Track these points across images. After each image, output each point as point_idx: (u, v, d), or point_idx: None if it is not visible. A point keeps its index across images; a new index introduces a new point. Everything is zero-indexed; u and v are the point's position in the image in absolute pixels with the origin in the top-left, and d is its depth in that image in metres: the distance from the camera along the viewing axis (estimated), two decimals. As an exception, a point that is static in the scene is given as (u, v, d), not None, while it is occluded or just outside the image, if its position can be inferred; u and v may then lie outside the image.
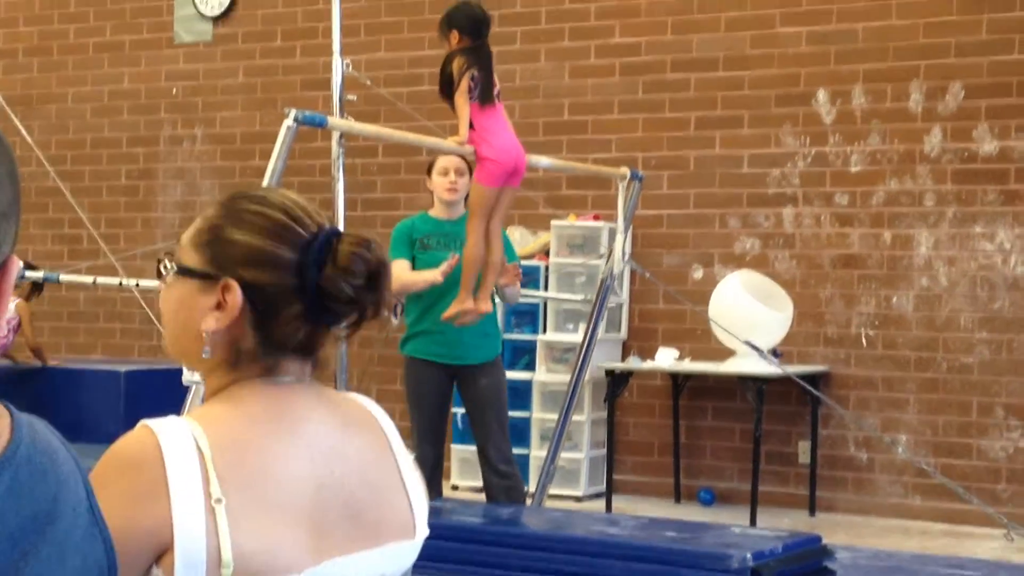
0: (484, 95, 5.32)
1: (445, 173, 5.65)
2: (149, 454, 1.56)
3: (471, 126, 5.32)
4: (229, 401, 1.67)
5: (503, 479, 5.61)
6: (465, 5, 5.49)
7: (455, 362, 5.62)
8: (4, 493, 1.13)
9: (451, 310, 5.38)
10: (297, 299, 1.65)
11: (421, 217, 5.78)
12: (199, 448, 1.58)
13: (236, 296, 1.65)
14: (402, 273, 5.47)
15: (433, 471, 5.62)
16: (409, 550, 1.74)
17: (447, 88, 5.38)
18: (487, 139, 5.30)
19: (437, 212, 5.73)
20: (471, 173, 5.55)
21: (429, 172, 5.76)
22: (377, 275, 1.67)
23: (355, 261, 1.65)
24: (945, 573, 4.47)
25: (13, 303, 8.01)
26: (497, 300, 5.79)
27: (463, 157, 5.53)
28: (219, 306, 1.66)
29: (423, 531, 1.75)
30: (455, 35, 5.37)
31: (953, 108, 7.80)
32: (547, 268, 8.49)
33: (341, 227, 5.21)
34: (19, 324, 8.31)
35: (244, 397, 1.66)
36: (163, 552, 1.54)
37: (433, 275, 5.43)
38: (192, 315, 1.68)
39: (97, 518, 1.23)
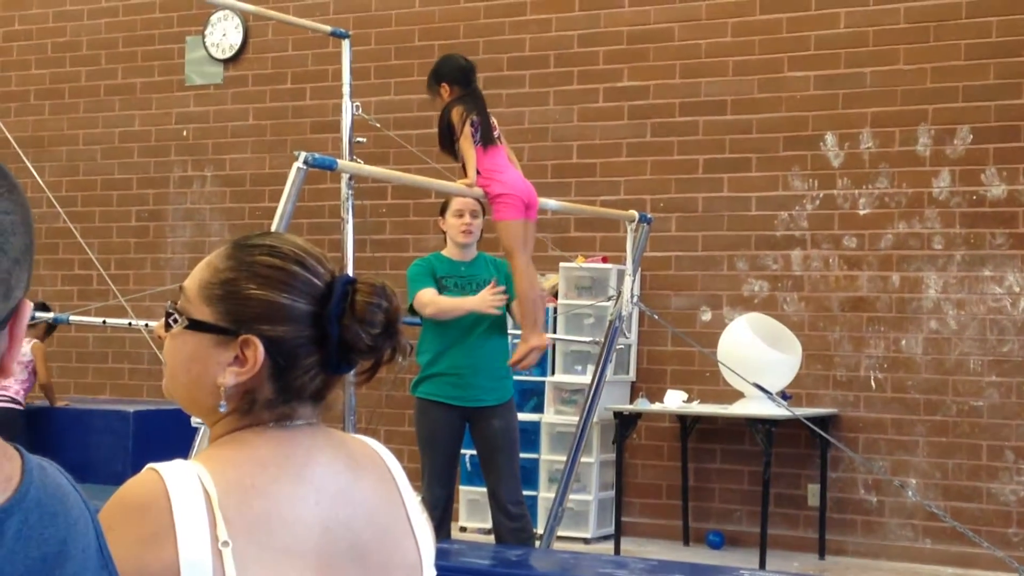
0: (485, 137, 5.39)
1: (460, 215, 5.63)
2: (156, 498, 1.56)
3: (477, 172, 5.35)
4: (236, 444, 1.67)
5: (513, 521, 5.58)
6: (448, 58, 5.64)
7: (470, 404, 5.59)
8: (14, 536, 1.14)
9: (519, 353, 5.40)
10: (315, 349, 1.66)
11: (436, 256, 5.76)
12: (206, 491, 1.58)
13: (259, 353, 1.64)
14: (439, 299, 5.48)
15: (443, 513, 5.60)
16: (417, 592, 1.74)
17: (447, 140, 5.44)
18: (495, 178, 5.34)
19: (451, 253, 5.70)
20: (483, 215, 5.58)
21: (443, 213, 5.74)
22: (393, 321, 1.68)
23: (372, 310, 1.66)
24: (955, 618, 4.45)
25: (29, 344, 8.05)
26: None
27: (477, 200, 5.56)
28: (238, 360, 1.65)
29: (430, 573, 1.75)
30: (445, 88, 5.47)
31: (961, 152, 7.81)
32: (555, 310, 8.50)
33: (350, 269, 5.26)
34: (33, 366, 8.33)
35: (251, 440, 1.67)
36: (171, 595, 1.54)
37: (475, 302, 5.42)
38: (207, 369, 1.67)
39: (107, 560, 1.24)
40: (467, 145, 5.32)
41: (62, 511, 1.20)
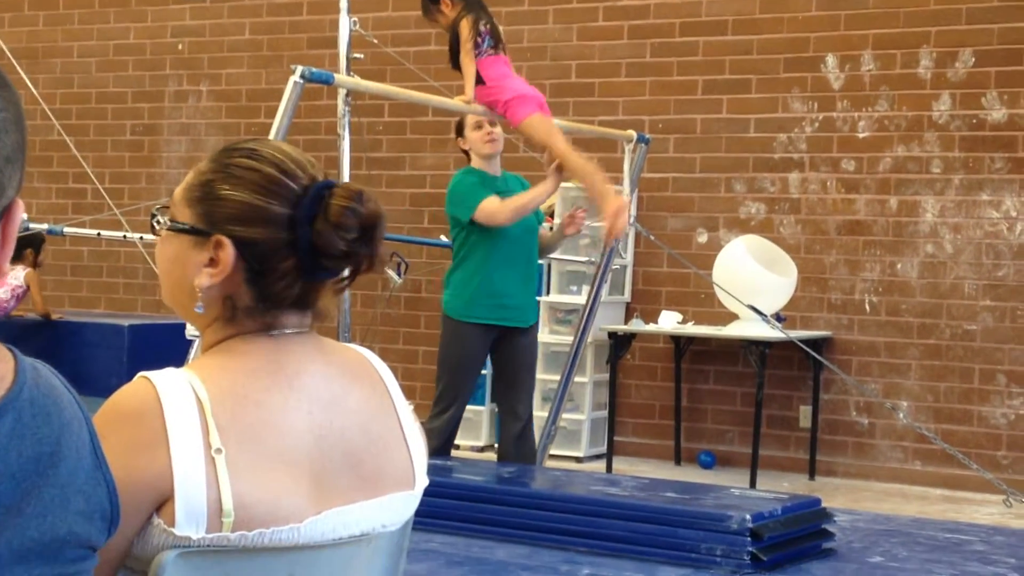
0: (497, 40, 5.34)
1: (479, 126, 5.52)
2: (148, 405, 1.56)
3: (483, 82, 5.30)
4: (228, 353, 1.67)
5: (526, 439, 5.59)
6: None
7: (502, 323, 5.50)
8: (8, 434, 1.14)
9: (608, 223, 5.29)
10: (290, 254, 1.65)
11: (467, 170, 5.59)
12: (198, 399, 1.58)
13: (228, 253, 1.64)
14: (509, 201, 5.37)
15: (452, 433, 5.59)
16: (409, 500, 1.75)
17: (457, 57, 5.38)
18: (502, 84, 5.30)
19: (481, 166, 5.57)
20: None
21: (459, 133, 5.62)
22: (370, 228, 1.66)
23: (346, 215, 1.64)
24: (943, 537, 4.49)
25: (22, 272, 8.04)
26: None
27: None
28: (212, 262, 1.65)
29: (423, 482, 1.76)
30: (446, 3, 5.36)
31: (963, 75, 7.77)
32: (551, 229, 8.47)
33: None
34: (26, 291, 8.32)
35: (242, 349, 1.67)
36: (164, 502, 1.55)
37: (547, 186, 5.36)
38: (186, 271, 1.68)
39: (100, 462, 1.24)
40: (467, 60, 5.27)
41: (55, 411, 1.20)
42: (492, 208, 5.32)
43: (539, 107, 5.33)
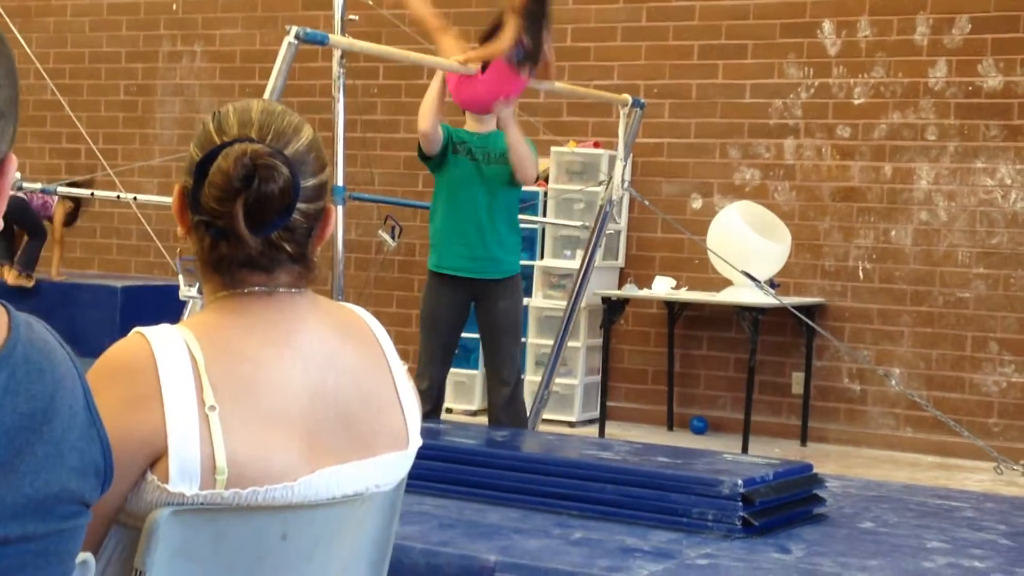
0: (522, 60, 5.33)
1: None
2: (142, 361, 1.56)
3: (485, 68, 5.28)
4: (222, 310, 1.67)
5: (511, 404, 5.60)
6: None
7: (476, 276, 5.54)
8: (1, 390, 1.14)
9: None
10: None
11: (455, 129, 5.67)
12: (192, 355, 1.58)
13: (176, 200, 1.68)
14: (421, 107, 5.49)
15: (438, 394, 5.61)
16: (402, 460, 1.75)
17: (487, 37, 5.38)
18: (490, 79, 5.31)
19: (469, 127, 5.66)
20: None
21: None
22: (239, 191, 1.60)
23: (217, 174, 1.61)
24: (934, 504, 4.51)
25: (56, 198, 8.23)
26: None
27: None
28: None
29: (416, 442, 1.76)
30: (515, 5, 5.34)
31: (959, 42, 7.75)
32: (546, 194, 8.48)
33: (340, 148, 5.22)
34: (51, 207, 8.48)
35: (237, 307, 1.67)
36: (157, 458, 1.55)
37: (443, 64, 5.42)
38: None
39: (94, 418, 1.24)
40: (496, 46, 5.25)
41: (49, 367, 1.19)
42: (419, 128, 5.44)
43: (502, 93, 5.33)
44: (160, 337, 1.59)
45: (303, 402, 1.64)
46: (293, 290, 1.69)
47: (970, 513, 4.37)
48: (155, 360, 1.56)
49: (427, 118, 5.40)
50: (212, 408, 1.56)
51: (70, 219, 8.59)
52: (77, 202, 8.49)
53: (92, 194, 5.86)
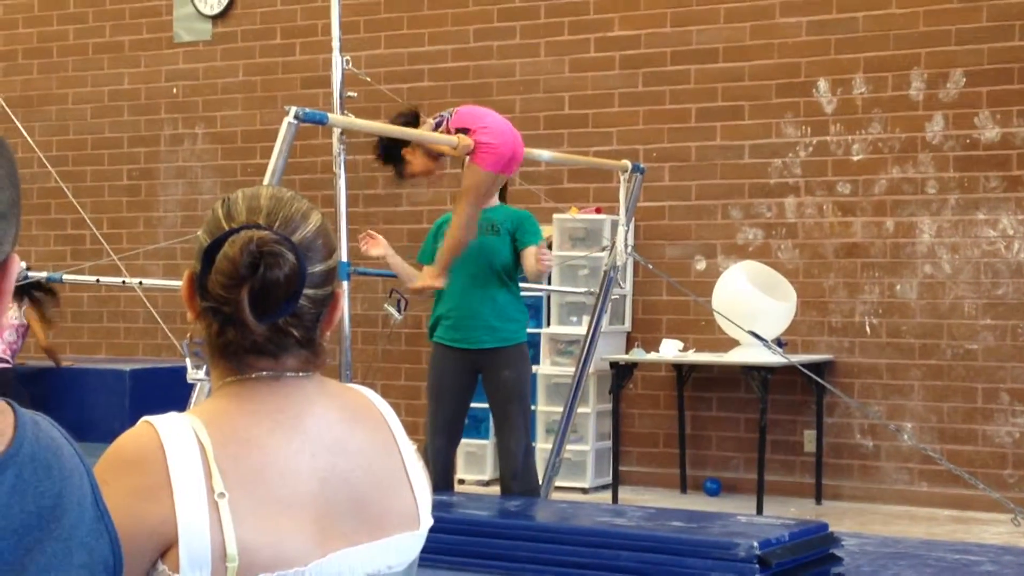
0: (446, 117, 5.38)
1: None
2: (151, 450, 1.56)
3: (466, 132, 5.30)
4: (229, 396, 1.67)
5: (519, 477, 5.57)
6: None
7: (476, 346, 5.58)
8: (8, 490, 1.14)
9: (419, 283, 5.42)
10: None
11: (447, 216, 5.78)
12: (200, 443, 1.58)
13: (185, 285, 1.68)
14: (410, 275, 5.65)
15: (445, 464, 5.60)
16: (414, 541, 1.74)
17: (391, 153, 5.42)
18: (482, 125, 5.27)
19: None
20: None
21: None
22: (245, 280, 1.60)
23: (224, 261, 1.61)
24: (952, 558, 4.48)
25: (21, 309, 8.05)
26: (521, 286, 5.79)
27: None
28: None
29: (427, 522, 1.75)
30: (419, 152, 5.38)
31: (954, 95, 7.79)
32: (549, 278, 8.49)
33: (343, 224, 5.24)
34: (27, 328, 8.33)
35: (242, 393, 1.67)
36: (168, 548, 1.54)
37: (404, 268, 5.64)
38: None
39: (102, 513, 1.24)
40: (427, 131, 5.28)
41: (56, 464, 1.20)
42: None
43: (504, 165, 5.30)
44: (168, 426, 1.59)
45: (313, 486, 1.63)
46: (300, 374, 1.69)
47: (989, 567, 4.34)
48: (163, 449, 1.56)
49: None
50: (221, 495, 1.55)
51: (49, 316, 8.47)
52: (46, 293, 8.31)
53: (98, 280, 5.88)
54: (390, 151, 5.45)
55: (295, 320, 1.65)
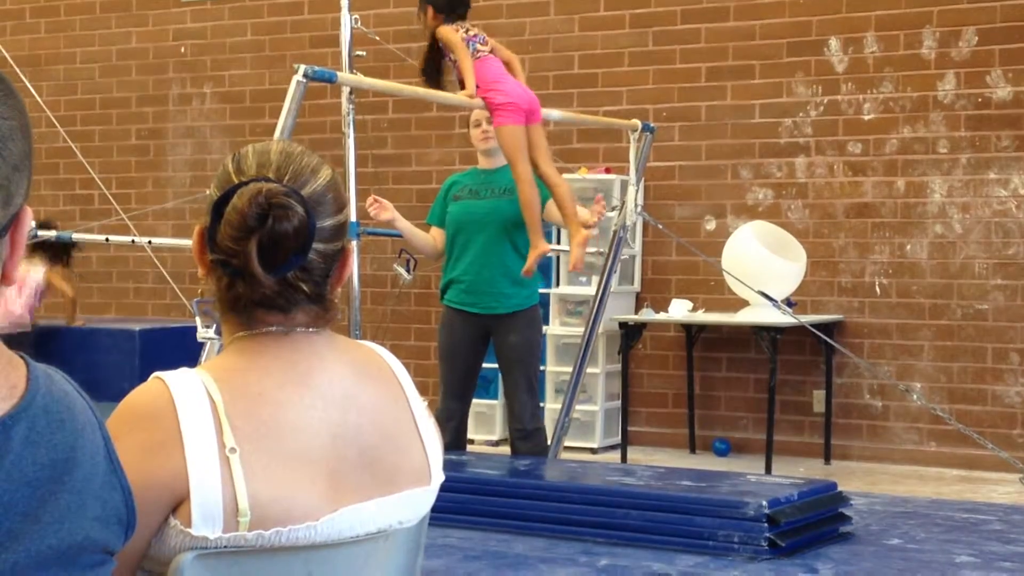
0: (486, 42, 5.38)
1: (477, 124, 5.74)
2: (162, 406, 1.57)
3: (477, 85, 5.31)
4: (240, 352, 1.67)
5: (528, 437, 5.60)
6: None
7: (487, 311, 5.60)
8: (22, 442, 1.14)
9: (529, 262, 5.38)
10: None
11: (470, 171, 5.85)
12: (211, 398, 1.58)
13: (196, 240, 1.67)
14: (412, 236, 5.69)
15: (458, 426, 5.63)
16: (425, 496, 1.75)
17: (431, 67, 5.39)
18: (495, 87, 5.30)
19: (480, 163, 5.81)
20: None
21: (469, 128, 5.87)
22: (255, 230, 1.60)
23: (238, 215, 1.61)
24: (960, 518, 4.48)
25: (40, 272, 8.09)
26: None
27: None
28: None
29: (438, 477, 1.76)
30: (430, 11, 5.39)
31: (966, 54, 7.74)
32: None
33: (352, 184, 5.24)
34: (46, 289, 8.39)
35: (255, 348, 1.67)
36: (180, 502, 1.55)
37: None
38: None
39: (115, 466, 1.24)
40: (464, 56, 5.28)
41: (69, 417, 1.20)
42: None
43: (526, 117, 5.32)
44: (179, 381, 1.59)
45: (324, 441, 1.64)
46: (310, 330, 1.69)
47: (998, 526, 4.35)
48: (174, 404, 1.57)
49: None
50: (233, 450, 1.56)
51: (66, 264, 8.50)
52: (63, 247, 8.32)
53: (107, 239, 5.88)
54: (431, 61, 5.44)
55: (304, 274, 1.65)
